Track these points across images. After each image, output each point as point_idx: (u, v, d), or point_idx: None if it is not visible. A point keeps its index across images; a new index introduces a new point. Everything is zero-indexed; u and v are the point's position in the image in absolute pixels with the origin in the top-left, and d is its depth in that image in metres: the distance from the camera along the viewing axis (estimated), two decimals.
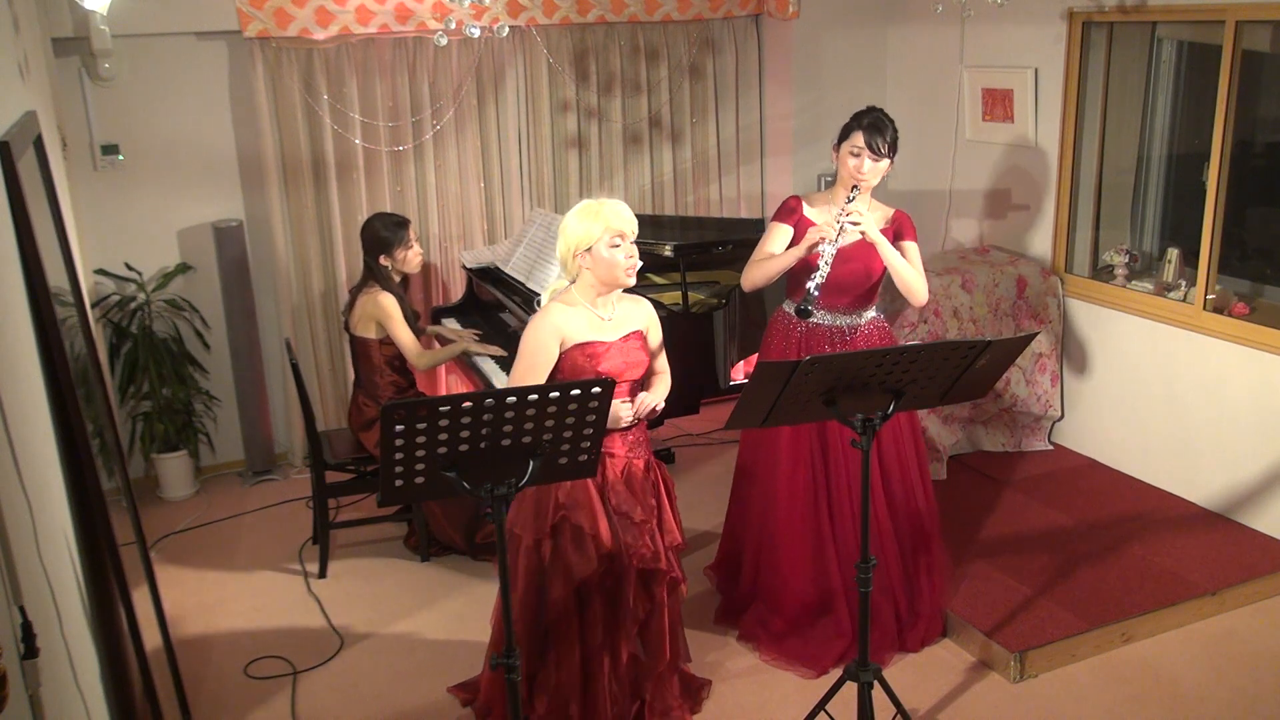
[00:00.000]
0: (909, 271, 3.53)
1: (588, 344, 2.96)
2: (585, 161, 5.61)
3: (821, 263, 3.43)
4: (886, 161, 3.50)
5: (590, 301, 3.00)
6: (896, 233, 3.60)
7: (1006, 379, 5.00)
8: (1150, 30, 4.76)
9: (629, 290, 3.08)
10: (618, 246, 2.91)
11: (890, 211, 3.65)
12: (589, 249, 2.91)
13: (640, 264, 2.99)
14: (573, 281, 3.01)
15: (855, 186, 3.49)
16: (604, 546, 3.01)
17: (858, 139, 3.47)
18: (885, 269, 3.54)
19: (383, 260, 4.24)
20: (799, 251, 3.47)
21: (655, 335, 3.15)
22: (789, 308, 3.68)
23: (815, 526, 3.63)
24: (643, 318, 3.10)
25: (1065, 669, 3.62)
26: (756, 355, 4.56)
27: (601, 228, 2.89)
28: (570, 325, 2.96)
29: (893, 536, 3.67)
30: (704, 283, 4.67)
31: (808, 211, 3.61)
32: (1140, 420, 4.78)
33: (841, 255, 3.47)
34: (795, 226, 3.60)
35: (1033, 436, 5.15)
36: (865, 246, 3.49)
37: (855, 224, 3.41)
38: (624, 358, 2.99)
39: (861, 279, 3.56)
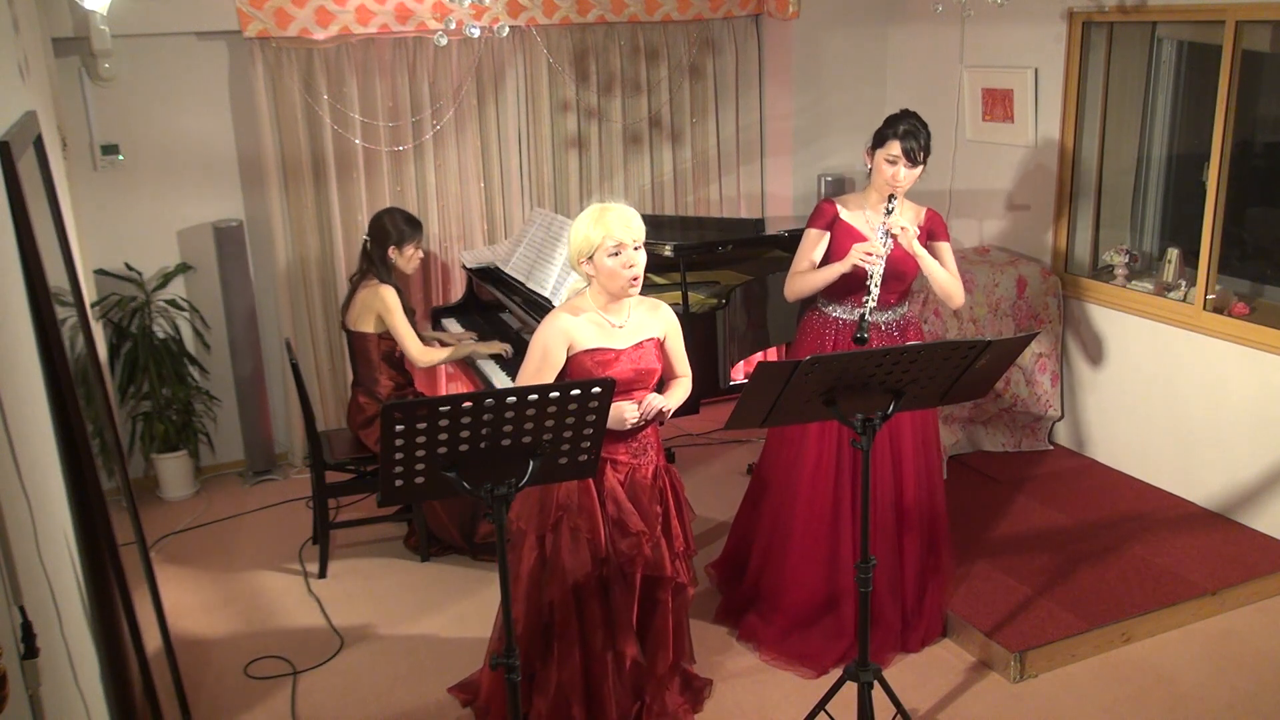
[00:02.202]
0: (947, 279, 3.55)
1: (597, 350, 2.94)
2: (585, 161, 5.61)
3: (871, 285, 3.43)
4: (921, 168, 3.50)
5: (602, 307, 2.97)
6: (930, 232, 3.61)
7: (1006, 379, 5.00)
8: (1150, 30, 4.76)
9: (649, 294, 3.06)
10: (617, 255, 2.86)
11: (922, 210, 3.65)
12: (590, 257, 2.89)
13: (640, 270, 2.94)
14: (588, 284, 3.00)
15: (892, 197, 3.48)
16: (600, 551, 3.01)
17: (894, 147, 3.45)
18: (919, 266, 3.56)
19: (391, 253, 4.24)
20: (842, 268, 3.46)
21: (675, 340, 3.12)
22: (826, 307, 3.67)
23: (834, 524, 3.63)
24: (659, 324, 3.07)
25: (1065, 669, 3.62)
26: (757, 355, 4.58)
27: (601, 235, 2.84)
28: (579, 331, 2.93)
29: (915, 537, 3.68)
30: (704, 283, 4.67)
31: (843, 214, 3.61)
32: (1140, 420, 4.78)
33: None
34: (831, 230, 3.60)
35: (1033, 436, 5.15)
36: (901, 247, 3.49)
37: (896, 235, 3.42)
38: (634, 365, 2.96)
39: (899, 278, 3.57)
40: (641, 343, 3.00)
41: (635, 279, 2.90)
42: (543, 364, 2.92)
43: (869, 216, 3.57)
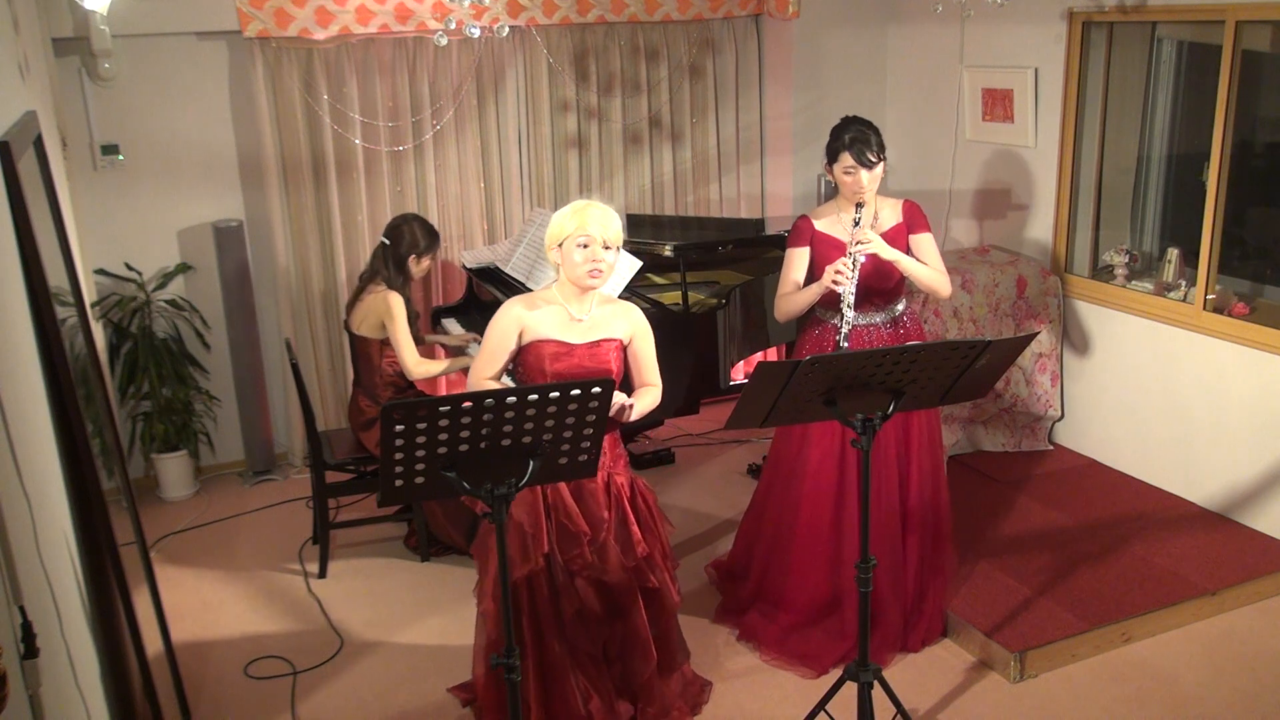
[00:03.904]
0: (928, 275, 3.55)
1: (550, 341, 2.97)
2: (585, 161, 5.61)
3: (845, 307, 3.43)
4: (881, 164, 3.50)
5: (566, 299, 3.01)
6: (909, 226, 3.61)
7: (1006, 379, 5.00)
8: (1150, 30, 4.76)
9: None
10: (585, 248, 2.91)
11: (899, 204, 3.65)
12: (560, 244, 2.95)
13: (615, 267, 2.98)
14: (558, 275, 3.03)
15: (859, 206, 3.49)
16: (543, 548, 3.01)
17: (846, 159, 3.47)
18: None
19: (410, 261, 4.24)
20: (818, 290, 3.48)
21: (643, 345, 3.12)
22: (824, 315, 3.68)
23: (836, 524, 3.63)
24: (625, 327, 3.07)
25: (1065, 669, 3.62)
26: (757, 355, 4.58)
27: (575, 225, 2.91)
28: (533, 319, 2.98)
29: (917, 537, 3.69)
30: (704, 283, 4.67)
31: (819, 226, 3.62)
32: (1140, 420, 4.78)
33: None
34: (810, 245, 3.62)
35: (1033, 436, 5.15)
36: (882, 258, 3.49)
37: (866, 247, 3.41)
38: (585, 363, 2.98)
39: (882, 279, 3.58)
40: (600, 342, 3.01)
41: (594, 273, 2.93)
42: (495, 350, 2.99)
43: (843, 220, 3.57)
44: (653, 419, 4.48)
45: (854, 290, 3.42)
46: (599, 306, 3.05)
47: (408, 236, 4.24)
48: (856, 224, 3.46)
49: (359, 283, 4.35)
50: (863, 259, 3.43)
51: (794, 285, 3.61)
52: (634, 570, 3.12)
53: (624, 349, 3.08)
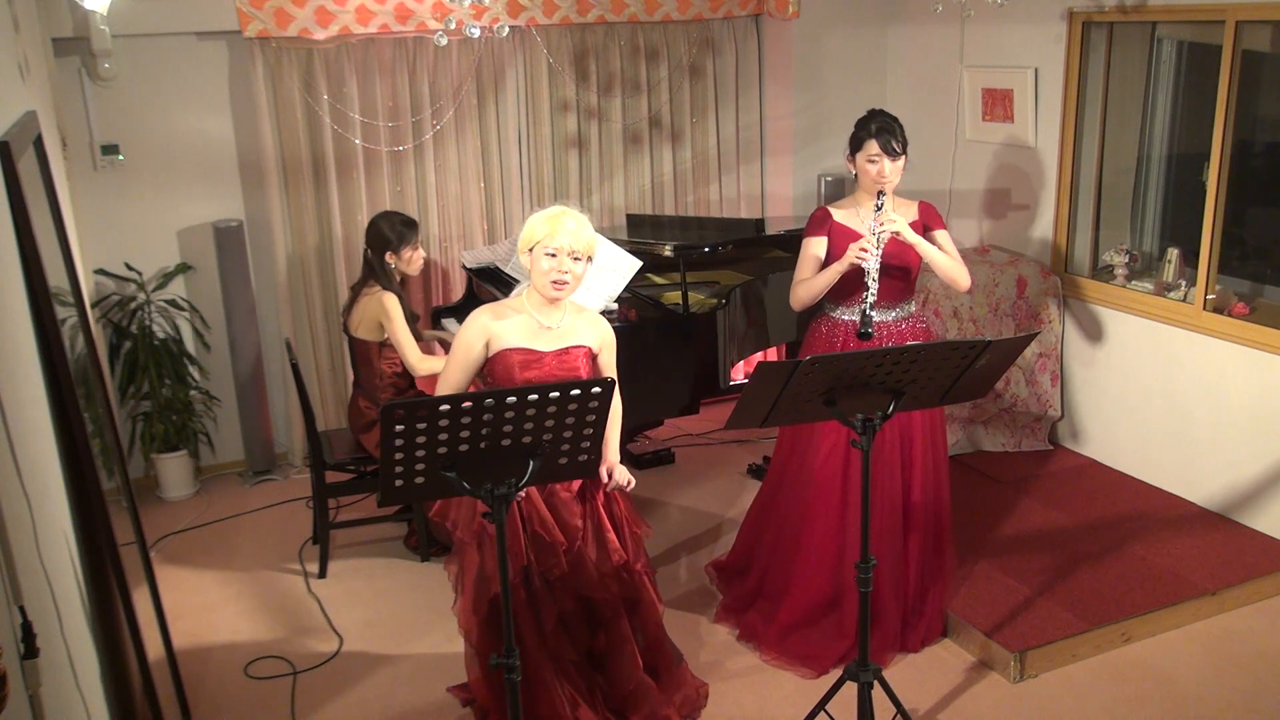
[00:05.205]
0: (949, 263, 3.59)
1: (518, 349, 2.96)
2: (585, 161, 5.61)
3: (870, 280, 3.46)
4: (903, 158, 3.55)
5: (536, 306, 3.00)
6: (925, 225, 3.65)
7: (1006, 379, 5.00)
8: (1150, 30, 4.76)
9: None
10: (553, 256, 2.89)
11: (914, 204, 3.69)
12: (531, 249, 2.93)
13: (572, 281, 2.95)
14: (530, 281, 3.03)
15: (881, 193, 3.52)
16: (521, 558, 3.01)
17: (872, 147, 3.52)
18: (921, 258, 3.58)
19: (389, 257, 4.23)
20: (841, 267, 3.51)
21: (608, 358, 3.11)
22: (833, 311, 3.69)
23: (841, 524, 3.63)
24: (594, 336, 3.07)
25: (1065, 669, 3.62)
26: (757, 355, 4.58)
27: (545, 233, 2.89)
28: (500, 329, 2.96)
29: (918, 536, 3.69)
30: (704, 283, 4.67)
31: (838, 217, 3.65)
32: (1140, 420, 4.78)
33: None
34: (828, 235, 3.64)
35: (1033, 436, 5.15)
36: (899, 241, 3.52)
37: (893, 232, 3.45)
38: (555, 371, 2.97)
39: (902, 272, 3.60)
40: (569, 349, 3.00)
41: (558, 284, 2.92)
42: (461, 360, 2.97)
43: (862, 214, 3.61)
44: (652, 419, 4.48)
45: (878, 265, 3.45)
46: (570, 315, 3.04)
47: (377, 236, 4.23)
48: (879, 209, 3.49)
49: (352, 291, 4.35)
50: (887, 237, 3.46)
51: (812, 270, 3.63)
52: (614, 577, 3.11)
53: (593, 357, 3.08)
